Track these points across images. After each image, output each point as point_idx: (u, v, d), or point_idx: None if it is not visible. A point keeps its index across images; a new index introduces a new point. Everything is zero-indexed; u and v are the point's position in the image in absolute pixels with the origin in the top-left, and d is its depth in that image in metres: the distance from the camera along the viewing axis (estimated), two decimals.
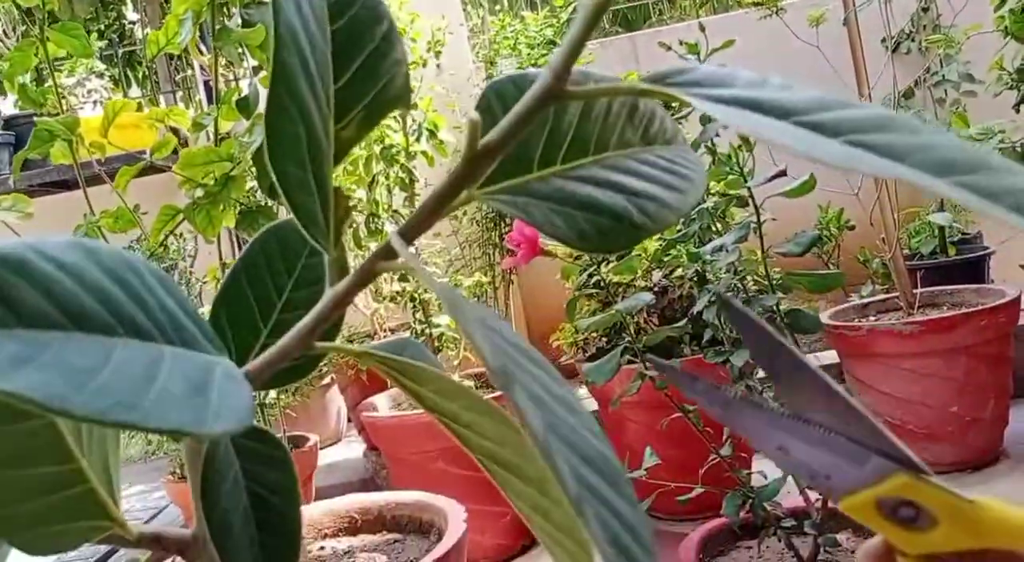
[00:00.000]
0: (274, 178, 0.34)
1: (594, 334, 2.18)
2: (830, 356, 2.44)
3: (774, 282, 1.01)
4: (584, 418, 0.27)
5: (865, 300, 2.40)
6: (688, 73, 0.31)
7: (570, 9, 3.22)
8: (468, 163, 0.37)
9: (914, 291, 2.27)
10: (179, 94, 4.21)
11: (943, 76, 3.27)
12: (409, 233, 0.38)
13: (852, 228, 2.73)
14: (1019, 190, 0.20)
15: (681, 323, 1.20)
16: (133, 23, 5.22)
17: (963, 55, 3.00)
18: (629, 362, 1.14)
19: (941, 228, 2.76)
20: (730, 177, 0.99)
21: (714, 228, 1.16)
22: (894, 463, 0.30)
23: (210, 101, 3.40)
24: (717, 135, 1.15)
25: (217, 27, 1.10)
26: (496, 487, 0.37)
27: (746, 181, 0.98)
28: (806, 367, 0.32)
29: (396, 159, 2.00)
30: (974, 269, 2.80)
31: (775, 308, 0.96)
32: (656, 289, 1.68)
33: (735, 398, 0.34)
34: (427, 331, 2.04)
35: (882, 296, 2.43)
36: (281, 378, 0.41)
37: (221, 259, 1.18)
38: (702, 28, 1.32)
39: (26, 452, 0.28)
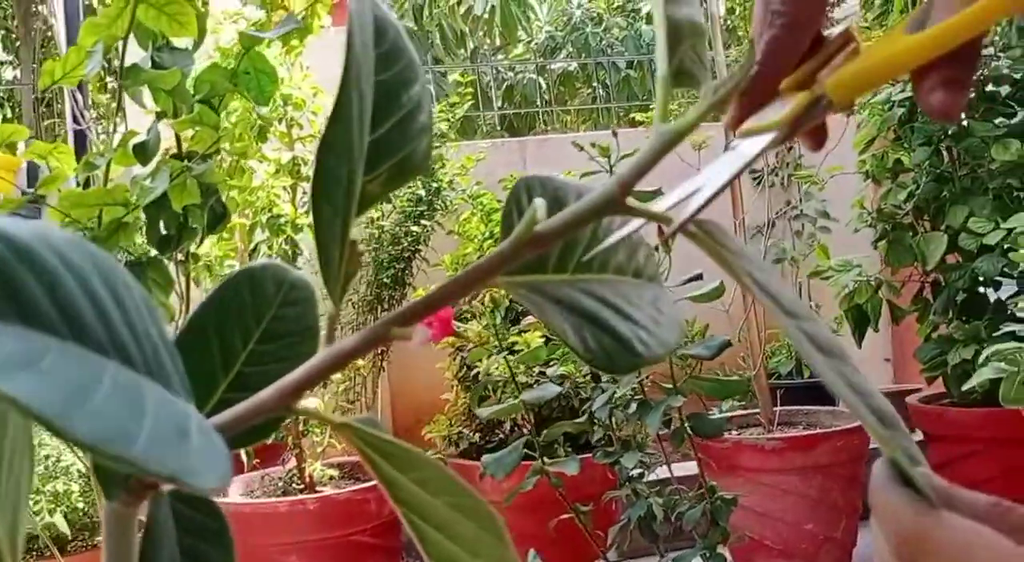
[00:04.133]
0: (312, 212, 0.31)
1: (466, 429, 2.13)
2: (689, 467, 2.48)
3: (677, 386, 1.01)
4: None
5: (728, 414, 2.47)
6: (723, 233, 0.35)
7: (464, 106, 3.29)
8: (516, 247, 0.35)
9: (773, 408, 2.36)
10: (43, 140, 3.98)
11: (802, 210, 3.52)
12: (432, 302, 0.35)
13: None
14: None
15: (581, 419, 1.18)
16: (1, 64, 4.93)
17: (824, 193, 3.24)
18: (525, 457, 1.10)
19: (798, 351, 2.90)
20: None
21: None
22: None
23: (79, 152, 3.23)
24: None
25: (126, 65, 1.04)
26: None
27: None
28: None
29: (282, 230, 1.93)
30: (826, 392, 2.95)
31: (678, 411, 0.95)
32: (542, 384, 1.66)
33: None
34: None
35: (742, 412, 2.51)
36: (240, 439, 0.36)
37: None
38: (615, 134, 1.37)
39: None
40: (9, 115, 5.01)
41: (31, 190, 1.12)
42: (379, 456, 0.35)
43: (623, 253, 0.43)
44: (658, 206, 0.37)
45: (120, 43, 1.09)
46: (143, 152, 1.08)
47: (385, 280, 3.04)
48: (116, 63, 1.12)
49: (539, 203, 0.33)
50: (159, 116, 1.14)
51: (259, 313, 0.39)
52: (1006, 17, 0.35)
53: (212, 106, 1.10)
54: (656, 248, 1.04)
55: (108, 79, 1.12)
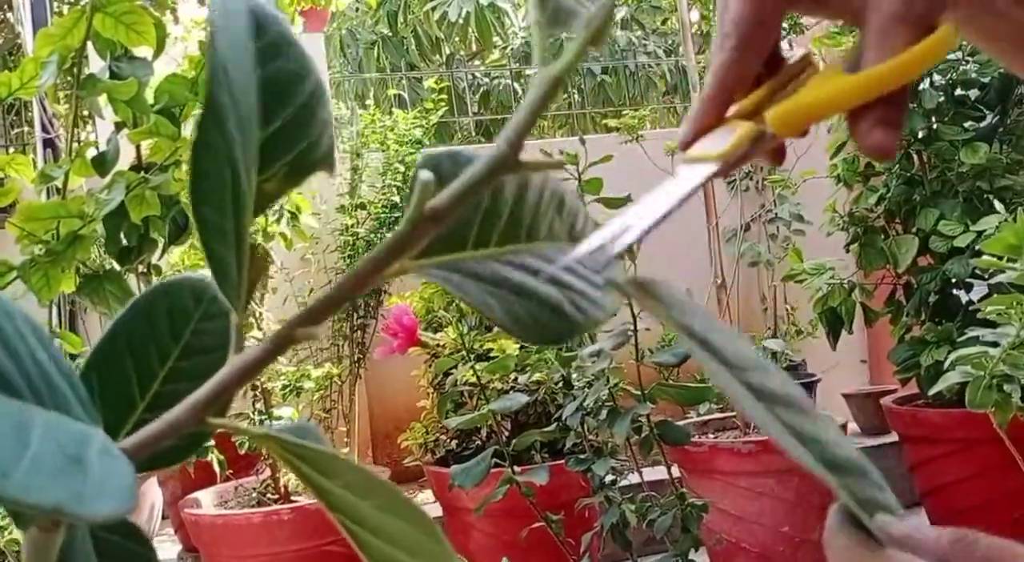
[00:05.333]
0: (194, 223, 0.30)
1: (443, 436, 2.12)
2: (660, 472, 2.48)
3: (645, 392, 1.01)
4: None
5: (704, 417, 2.47)
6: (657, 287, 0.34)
7: (439, 113, 3.29)
8: (413, 226, 0.34)
9: None
10: (11, 150, 3.92)
11: (776, 214, 3.54)
12: (336, 296, 0.34)
13: None
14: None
15: (551, 427, 1.17)
16: None
17: (798, 196, 3.26)
18: (496, 465, 1.10)
19: (774, 353, 2.91)
20: None
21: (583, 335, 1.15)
22: None
23: (47, 159, 3.18)
24: None
25: (83, 75, 1.02)
26: None
27: None
28: None
29: (252, 238, 1.91)
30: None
31: (646, 418, 0.95)
32: (515, 391, 1.65)
33: None
34: (266, 423, 1.91)
35: (719, 415, 2.52)
36: (159, 459, 0.35)
37: (51, 326, 1.06)
38: (583, 142, 1.36)
39: None
40: None
41: None
42: (304, 464, 0.34)
43: (555, 218, 0.42)
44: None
45: (79, 53, 1.07)
46: (102, 164, 1.06)
47: None
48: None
49: (424, 175, 0.31)
50: (119, 127, 1.13)
51: (177, 328, 0.38)
52: (939, 62, 0.37)
53: (172, 116, 1.09)
54: (621, 257, 1.03)
55: (71, 89, 1.11)
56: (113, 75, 1.08)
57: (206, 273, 0.46)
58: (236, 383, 0.35)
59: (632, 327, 1.02)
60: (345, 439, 2.66)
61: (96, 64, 1.19)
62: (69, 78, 1.10)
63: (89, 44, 1.08)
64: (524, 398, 1.04)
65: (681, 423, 2.43)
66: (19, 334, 0.25)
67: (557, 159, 0.37)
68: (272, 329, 2.36)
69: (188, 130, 1.19)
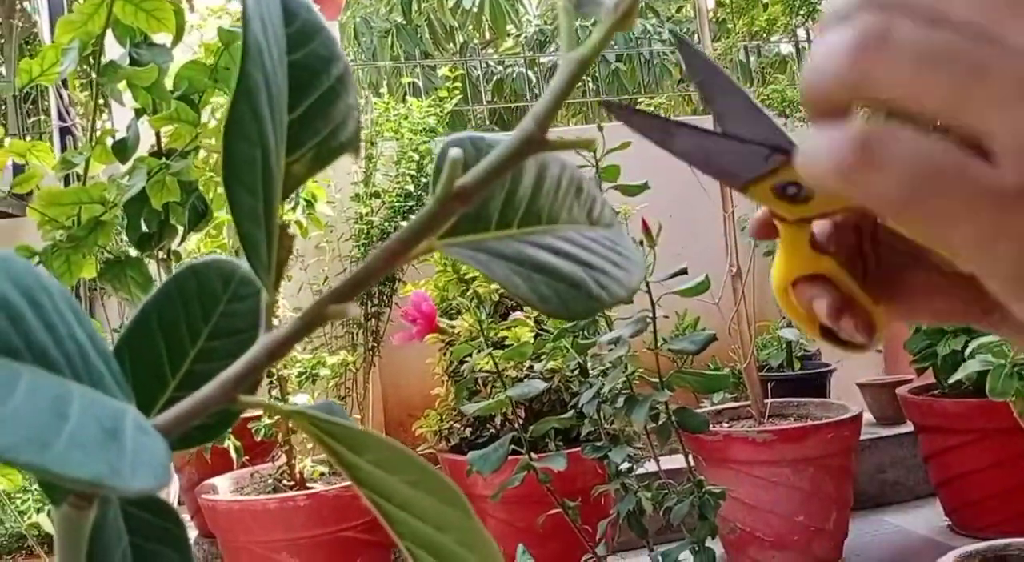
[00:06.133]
0: (228, 202, 0.30)
1: (457, 424, 2.13)
2: (680, 460, 2.48)
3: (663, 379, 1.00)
4: None
5: (719, 406, 2.47)
6: None
7: (453, 101, 3.28)
8: (441, 204, 0.34)
9: (764, 401, 2.35)
10: (28, 139, 3.95)
11: None
12: (365, 274, 0.34)
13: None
14: None
15: (568, 414, 1.17)
16: None
17: None
18: (513, 452, 1.10)
19: (789, 343, 2.90)
20: None
21: (601, 321, 1.15)
22: (785, 156, 0.38)
23: (64, 147, 3.20)
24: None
25: (103, 62, 1.03)
26: None
27: (646, 276, 0.99)
28: (739, 91, 0.39)
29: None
30: (817, 384, 2.95)
31: (664, 405, 0.95)
32: (530, 379, 1.65)
33: (670, 123, 0.40)
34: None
35: (733, 404, 2.51)
36: (191, 437, 0.35)
37: None
38: (600, 129, 1.36)
39: None
40: None
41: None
42: (334, 441, 0.35)
43: (574, 203, 0.42)
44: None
45: (98, 40, 1.07)
46: (122, 150, 1.07)
47: None
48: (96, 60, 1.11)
49: (454, 153, 0.32)
50: (138, 113, 1.13)
51: (207, 310, 0.38)
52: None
53: (191, 102, 1.09)
54: (640, 243, 1.03)
55: (91, 76, 1.11)
56: (133, 62, 1.08)
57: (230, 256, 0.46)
58: (266, 361, 0.35)
59: (651, 314, 1.02)
60: (360, 426, 2.67)
61: (115, 51, 1.19)
62: (88, 66, 1.10)
63: (108, 31, 1.08)
64: (541, 385, 1.04)
65: (697, 412, 2.44)
66: (57, 311, 0.26)
67: (583, 139, 0.37)
68: (288, 317, 2.37)
69: (207, 116, 1.20)
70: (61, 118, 3.16)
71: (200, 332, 0.39)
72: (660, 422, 1.08)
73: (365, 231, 3.06)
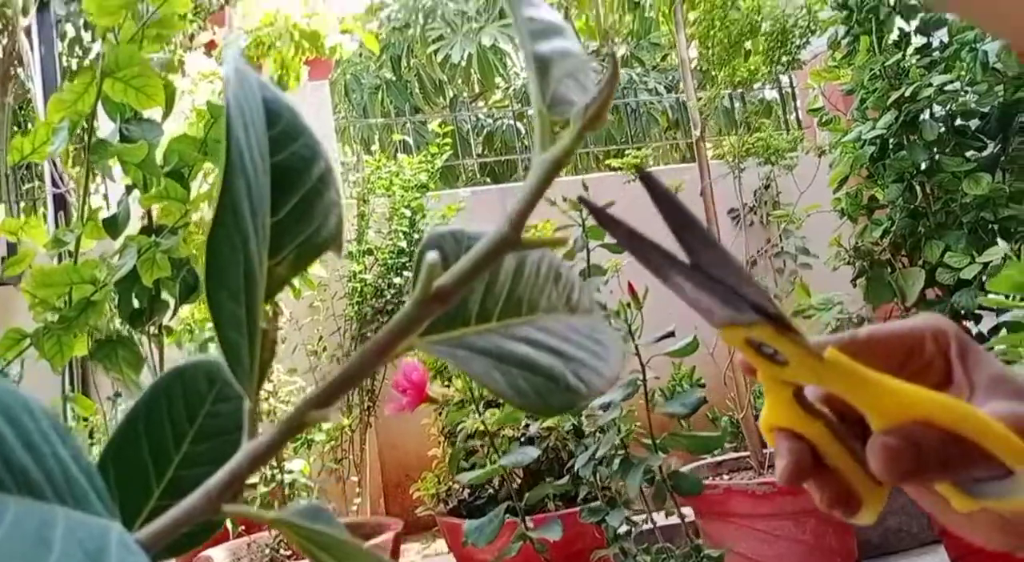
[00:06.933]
0: (209, 308, 0.31)
1: (455, 485, 2.11)
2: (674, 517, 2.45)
3: (656, 442, 1.00)
4: None
5: (718, 458, 2.45)
6: None
7: (443, 156, 3.31)
8: (420, 306, 0.35)
9: (764, 451, 2.34)
10: (22, 206, 3.97)
11: (782, 248, 3.54)
12: (345, 379, 0.35)
13: (703, 386, 2.83)
14: None
15: (563, 480, 1.16)
16: None
17: (802, 231, 3.27)
18: (512, 513, 1.09)
19: None
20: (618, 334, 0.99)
21: None
22: (763, 316, 0.37)
23: (58, 215, 3.20)
24: (598, 290, 1.17)
25: (93, 140, 1.04)
26: None
27: (634, 339, 0.99)
28: (713, 242, 0.38)
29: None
30: None
31: (659, 469, 0.94)
32: (522, 441, 1.64)
33: (647, 240, 0.39)
34: (277, 477, 1.90)
35: (733, 455, 2.49)
36: (175, 546, 0.35)
37: (64, 390, 1.06)
38: (585, 187, 1.37)
39: None
40: None
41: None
42: (318, 549, 0.34)
43: (552, 290, 0.42)
44: None
45: (89, 117, 1.09)
46: (113, 226, 1.07)
47: (368, 334, 3.03)
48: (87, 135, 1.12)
49: (431, 257, 0.32)
50: (129, 188, 1.14)
51: (192, 411, 0.38)
52: None
53: (181, 176, 1.10)
54: (628, 305, 1.03)
55: (80, 148, 1.13)
56: (123, 138, 1.10)
57: (217, 354, 0.47)
58: (249, 469, 0.35)
59: (641, 376, 1.01)
60: (357, 489, 2.64)
61: (106, 123, 1.20)
62: (80, 142, 1.12)
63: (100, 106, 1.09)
64: (535, 452, 1.04)
65: (695, 465, 2.41)
66: (40, 431, 0.26)
67: (556, 237, 0.38)
68: (282, 381, 2.35)
69: (197, 186, 1.21)
70: (55, 185, 3.18)
71: (185, 435, 0.39)
72: (655, 485, 1.08)
73: (359, 289, 3.06)
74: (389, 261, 3.09)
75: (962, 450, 0.32)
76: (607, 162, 3.26)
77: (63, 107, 1.06)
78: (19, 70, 4.40)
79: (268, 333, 0.37)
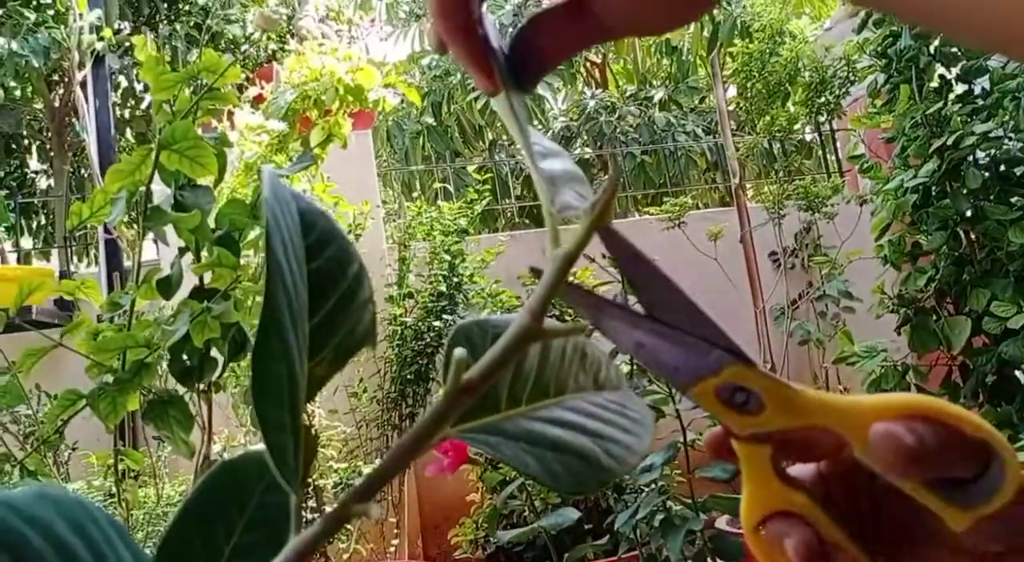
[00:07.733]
0: (256, 417, 0.33)
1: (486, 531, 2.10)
2: None
3: (696, 504, 1.00)
4: None
5: None
6: None
7: (483, 203, 3.36)
8: (450, 399, 0.37)
9: None
10: (74, 248, 4.09)
11: (824, 291, 3.51)
12: (384, 471, 0.36)
13: None
14: None
15: (603, 541, 1.16)
16: (36, 173, 5.11)
17: (846, 275, 3.24)
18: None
19: None
20: (656, 396, 1.00)
21: None
22: (730, 355, 0.37)
23: (110, 260, 3.29)
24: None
25: (150, 207, 1.08)
26: None
27: (674, 401, 0.99)
28: (664, 278, 0.38)
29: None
30: None
31: (701, 532, 0.94)
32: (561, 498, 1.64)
33: (602, 301, 0.39)
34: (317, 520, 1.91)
35: None
36: None
37: (115, 444, 1.10)
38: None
39: None
40: (43, 222, 5.16)
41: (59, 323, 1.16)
42: None
43: (579, 370, 0.44)
44: None
45: (145, 186, 1.13)
46: (167, 288, 1.11)
47: (408, 376, 3.05)
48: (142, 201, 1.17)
49: (459, 353, 0.34)
50: (182, 251, 1.18)
51: (243, 502, 0.40)
52: None
53: (232, 240, 1.14)
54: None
55: (137, 219, 1.17)
56: (177, 204, 1.14)
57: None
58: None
59: (682, 438, 1.02)
60: (395, 530, 2.65)
61: (159, 188, 1.25)
62: (135, 210, 1.16)
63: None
64: (575, 514, 1.04)
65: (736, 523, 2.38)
66: (106, 538, 0.28)
67: (577, 325, 0.39)
68: (323, 424, 2.38)
69: (248, 256, 1.25)
70: (107, 230, 3.28)
71: (236, 526, 0.41)
72: (696, 548, 1.07)
73: (399, 332, 3.09)
74: (429, 304, 3.12)
75: (949, 435, 0.33)
76: (646, 210, 3.28)
77: (121, 177, 1.11)
78: (75, 121, 4.57)
79: (308, 431, 0.40)
